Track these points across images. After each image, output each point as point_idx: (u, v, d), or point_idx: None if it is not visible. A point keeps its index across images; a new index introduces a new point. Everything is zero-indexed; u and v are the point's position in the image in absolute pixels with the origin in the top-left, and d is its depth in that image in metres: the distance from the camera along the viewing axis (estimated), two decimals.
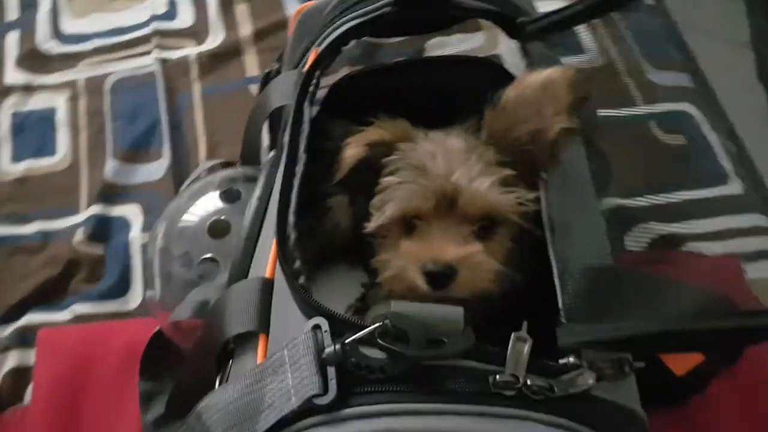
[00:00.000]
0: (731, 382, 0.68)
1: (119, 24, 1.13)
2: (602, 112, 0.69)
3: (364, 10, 0.63)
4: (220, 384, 0.52)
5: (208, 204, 0.66)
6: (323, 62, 0.61)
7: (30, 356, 0.80)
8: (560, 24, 0.64)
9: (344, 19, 0.63)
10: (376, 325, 0.41)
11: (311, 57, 0.64)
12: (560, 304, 0.46)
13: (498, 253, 0.54)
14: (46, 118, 1.03)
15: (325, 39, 0.64)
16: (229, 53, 1.08)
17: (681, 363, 0.58)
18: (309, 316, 0.44)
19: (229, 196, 0.66)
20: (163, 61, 1.07)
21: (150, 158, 0.98)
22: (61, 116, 1.03)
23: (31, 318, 0.83)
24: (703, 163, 0.93)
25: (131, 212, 0.93)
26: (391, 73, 0.79)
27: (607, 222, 0.51)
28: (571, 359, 0.43)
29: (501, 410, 0.40)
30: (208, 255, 0.63)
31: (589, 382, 0.42)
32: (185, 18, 1.13)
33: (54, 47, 1.11)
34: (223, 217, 0.64)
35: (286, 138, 0.56)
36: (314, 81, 0.60)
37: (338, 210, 0.69)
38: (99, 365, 0.77)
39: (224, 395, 0.44)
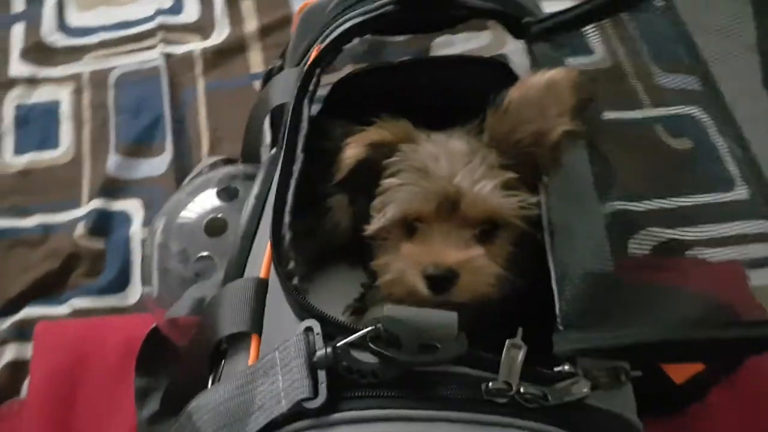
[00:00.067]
0: (731, 392, 0.67)
1: (125, 18, 1.13)
2: (608, 115, 0.68)
3: (367, 8, 0.62)
4: (212, 383, 0.51)
5: (205, 201, 0.66)
6: (323, 60, 0.60)
7: (28, 350, 0.80)
8: (566, 25, 0.64)
9: (347, 16, 0.62)
10: (368, 329, 0.41)
11: (313, 54, 0.64)
12: (557, 311, 0.45)
13: (499, 257, 0.53)
14: (50, 110, 1.03)
15: (327, 36, 0.64)
16: (234, 49, 1.08)
17: (681, 371, 0.57)
18: (302, 318, 0.44)
19: (227, 194, 0.65)
20: (168, 56, 1.07)
21: (152, 153, 0.98)
22: (65, 109, 1.03)
23: (29, 311, 0.84)
24: (709, 168, 0.91)
25: (132, 207, 0.93)
26: (396, 72, 0.79)
27: (609, 226, 0.50)
28: (566, 367, 0.42)
29: (493, 418, 0.40)
30: (205, 253, 0.62)
31: (583, 391, 0.42)
32: (191, 12, 1.13)
33: (59, 40, 1.11)
34: (220, 215, 0.64)
35: (285, 137, 0.56)
36: (314, 79, 0.60)
37: (338, 210, 0.68)
38: (96, 360, 0.77)
39: (215, 396, 0.44)
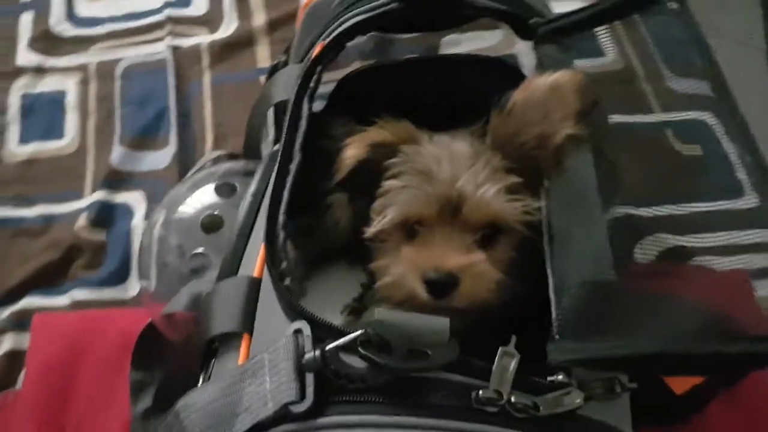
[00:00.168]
0: (732, 405, 0.66)
1: (133, 9, 1.12)
2: (617, 119, 0.67)
3: (372, 5, 0.61)
4: (203, 382, 0.51)
5: (203, 197, 0.66)
6: (325, 57, 0.60)
7: (26, 340, 0.80)
8: (574, 26, 0.63)
9: (351, 13, 0.62)
10: (358, 333, 0.40)
11: (316, 51, 0.63)
12: (553, 319, 0.44)
13: (500, 263, 0.52)
14: (56, 100, 1.03)
15: (331, 33, 0.63)
16: (242, 43, 1.07)
17: (681, 382, 0.56)
18: (292, 320, 0.43)
19: (225, 190, 0.65)
20: (175, 49, 1.06)
21: (157, 146, 0.97)
22: (71, 99, 1.03)
23: (29, 302, 0.84)
24: (718, 175, 0.90)
25: (135, 199, 0.93)
26: (401, 70, 0.78)
27: (614, 232, 0.49)
28: (560, 377, 0.41)
29: (481, 427, 0.39)
30: (200, 249, 0.62)
31: (576, 402, 0.41)
32: (199, 5, 1.13)
33: (67, 29, 1.10)
34: (216, 212, 0.63)
35: (283, 134, 0.55)
36: (315, 76, 0.59)
37: (338, 208, 0.67)
38: (93, 353, 0.76)
39: (203, 395, 0.44)
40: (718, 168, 0.90)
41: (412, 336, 0.40)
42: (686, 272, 0.79)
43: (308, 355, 0.41)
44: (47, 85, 1.05)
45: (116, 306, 0.83)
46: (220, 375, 0.45)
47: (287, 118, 0.57)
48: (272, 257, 0.48)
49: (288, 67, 0.71)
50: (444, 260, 0.50)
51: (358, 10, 0.61)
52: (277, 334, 0.43)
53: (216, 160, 0.83)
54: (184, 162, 0.95)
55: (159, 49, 1.07)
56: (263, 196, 0.56)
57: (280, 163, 0.53)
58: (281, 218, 0.50)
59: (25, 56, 1.07)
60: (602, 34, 0.75)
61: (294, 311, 0.44)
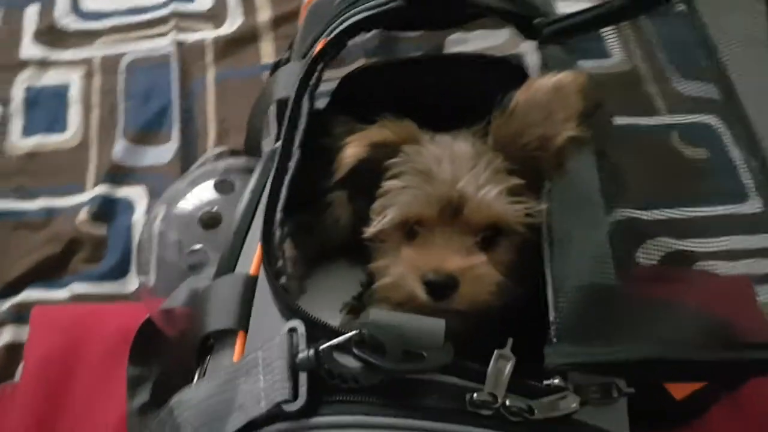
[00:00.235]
0: (734, 411, 0.65)
1: (138, 3, 1.12)
2: (622, 121, 0.67)
3: (374, 2, 0.61)
4: (197, 379, 0.51)
5: (203, 193, 0.65)
6: (327, 55, 0.59)
7: (25, 333, 0.80)
8: (579, 27, 0.62)
9: (353, 11, 0.61)
10: (352, 333, 0.40)
11: (318, 48, 0.63)
12: (551, 322, 0.44)
13: (501, 265, 0.52)
14: (60, 94, 1.03)
15: (333, 30, 0.63)
16: (246, 39, 1.07)
17: (680, 386, 0.56)
18: (287, 318, 0.43)
19: (224, 187, 0.65)
20: (180, 44, 1.06)
21: (159, 141, 0.97)
22: (75, 93, 1.03)
23: (29, 294, 0.84)
24: (723, 179, 0.89)
25: (136, 194, 0.93)
26: (405, 68, 0.77)
27: (617, 235, 0.49)
28: (556, 381, 0.41)
29: (475, 430, 0.39)
30: (198, 246, 0.62)
31: (572, 406, 0.40)
32: (204, 1, 1.12)
33: (72, 23, 1.10)
34: (215, 209, 0.63)
35: (282, 131, 0.55)
36: (316, 74, 0.58)
37: (338, 206, 0.67)
38: (91, 347, 0.76)
39: (197, 392, 0.43)
40: (723, 172, 0.90)
41: (407, 337, 0.40)
42: (689, 277, 0.79)
43: (302, 354, 0.40)
44: (51, 78, 1.05)
45: (116, 300, 0.83)
46: (215, 372, 0.45)
47: (287, 115, 0.56)
48: (268, 255, 0.48)
49: (290, 64, 0.71)
50: (444, 262, 0.50)
51: (361, 7, 0.61)
52: (272, 332, 0.43)
53: (218, 157, 0.83)
54: (187, 157, 0.94)
55: (163, 43, 1.07)
56: (262, 194, 0.56)
57: (278, 160, 0.53)
58: (278, 216, 0.50)
59: (29, 49, 1.08)
60: (608, 35, 0.74)
61: (289, 310, 0.43)
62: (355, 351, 0.40)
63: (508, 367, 0.40)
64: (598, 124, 0.53)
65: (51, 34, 1.09)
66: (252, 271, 0.50)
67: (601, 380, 0.42)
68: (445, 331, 0.41)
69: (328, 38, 0.61)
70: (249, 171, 0.64)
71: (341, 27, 0.61)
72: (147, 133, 0.98)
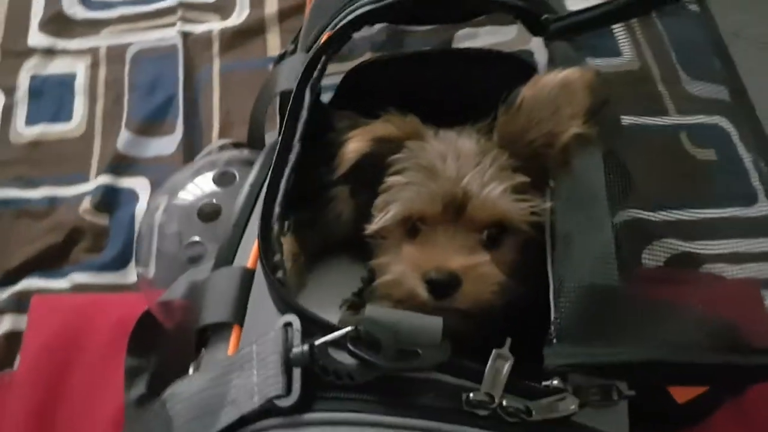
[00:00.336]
0: (737, 416, 0.65)
1: None
2: (630, 120, 0.66)
3: None
4: (192, 372, 0.50)
5: (203, 185, 0.65)
6: (330, 47, 0.59)
7: (25, 321, 0.80)
8: (587, 24, 0.61)
9: (358, 3, 0.60)
10: (348, 329, 0.39)
11: (322, 40, 0.62)
12: (552, 322, 0.43)
13: (504, 264, 0.51)
14: (65, 83, 1.03)
15: (338, 23, 0.62)
16: (253, 31, 1.07)
17: (683, 390, 0.55)
18: (283, 312, 0.42)
19: (224, 179, 0.64)
20: (186, 35, 1.06)
21: (163, 132, 0.97)
22: (80, 82, 1.03)
23: (29, 283, 0.84)
24: (732, 181, 0.88)
25: (139, 185, 0.92)
26: (409, 63, 0.76)
27: (622, 235, 0.48)
28: (555, 382, 0.40)
29: (470, 430, 0.38)
30: (197, 238, 0.61)
31: (570, 408, 0.40)
32: None
33: (79, 12, 1.10)
34: (214, 201, 0.62)
35: (283, 124, 0.54)
36: (319, 66, 0.58)
37: (340, 200, 0.66)
38: (90, 336, 0.76)
39: (190, 386, 0.43)
40: (731, 174, 0.89)
41: (403, 335, 0.39)
42: (695, 279, 0.78)
43: (296, 350, 0.40)
44: (57, 67, 1.05)
45: (116, 290, 0.83)
46: (209, 365, 0.44)
47: (288, 108, 0.56)
48: (265, 249, 0.47)
49: (293, 56, 0.70)
50: (446, 260, 0.49)
51: (366, 0, 0.60)
52: (267, 326, 0.42)
53: (222, 149, 0.83)
54: (190, 149, 0.94)
55: (170, 34, 1.06)
56: (262, 187, 0.55)
57: (278, 153, 0.52)
58: (277, 210, 0.49)
59: (36, 37, 1.07)
60: (619, 33, 0.73)
61: (285, 304, 0.43)
62: (351, 347, 0.39)
63: (506, 367, 0.39)
64: (606, 123, 0.52)
65: (58, 23, 1.09)
66: (249, 264, 0.50)
67: (601, 382, 0.41)
68: (446, 331, 0.41)
69: (333, 30, 0.60)
70: (251, 163, 0.63)
71: (346, 19, 0.60)
72: (151, 123, 0.98)
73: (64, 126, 0.99)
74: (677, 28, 1.01)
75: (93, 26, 1.08)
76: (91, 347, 0.76)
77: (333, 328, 0.40)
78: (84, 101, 1.01)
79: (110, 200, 0.91)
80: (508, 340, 0.40)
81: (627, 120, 0.63)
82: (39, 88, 1.02)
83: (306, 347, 0.39)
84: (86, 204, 0.90)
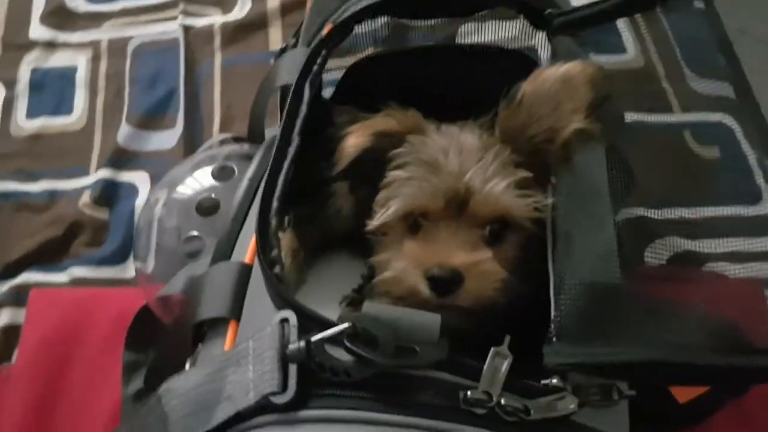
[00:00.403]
0: (738, 417, 0.64)
1: None
2: (634, 117, 0.65)
3: None
4: (189, 367, 0.50)
5: (202, 179, 0.64)
6: (331, 41, 0.58)
7: (23, 315, 0.80)
8: (591, 19, 0.61)
9: None
10: (345, 325, 0.39)
11: (324, 34, 0.61)
12: (552, 320, 0.42)
13: (507, 261, 0.50)
14: (66, 76, 1.03)
15: (339, 17, 0.61)
16: (254, 25, 1.06)
17: (685, 390, 0.55)
18: (279, 308, 0.42)
19: (223, 173, 0.64)
20: (187, 28, 1.05)
21: (164, 126, 0.97)
22: (81, 76, 1.03)
23: (28, 276, 0.84)
24: (736, 179, 0.88)
25: (139, 179, 0.92)
26: (411, 58, 0.76)
27: (625, 233, 0.47)
28: (554, 381, 0.40)
29: (467, 429, 0.38)
30: (195, 233, 0.61)
31: (570, 408, 0.39)
32: None
33: (81, 5, 1.10)
34: (213, 195, 0.62)
35: (283, 118, 0.53)
36: (319, 60, 0.57)
37: (340, 196, 0.66)
38: (88, 331, 0.76)
39: (186, 381, 0.43)
40: (735, 172, 0.88)
41: (401, 331, 0.39)
42: (697, 278, 0.77)
43: (293, 346, 0.39)
44: (58, 60, 1.04)
45: (115, 285, 0.83)
46: (205, 361, 0.44)
47: (287, 102, 0.55)
48: (263, 244, 0.47)
49: (294, 49, 0.69)
50: (448, 257, 0.48)
51: None
52: (264, 322, 0.42)
53: (222, 143, 0.82)
54: (191, 143, 0.94)
55: (171, 28, 1.06)
56: (260, 182, 0.55)
57: (277, 148, 0.52)
58: (275, 205, 0.49)
59: (37, 30, 1.07)
60: (623, 29, 0.73)
61: (282, 300, 0.42)
62: (347, 344, 0.38)
63: (505, 365, 0.39)
64: (608, 118, 0.52)
65: (59, 16, 1.08)
66: (247, 259, 0.49)
67: (601, 381, 0.41)
68: (447, 328, 0.40)
69: (334, 24, 0.60)
70: (250, 158, 0.63)
71: (347, 13, 0.59)
72: (152, 117, 0.98)
73: (65, 119, 0.98)
74: (682, 24, 1.01)
75: (94, 19, 1.08)
76: (90, 341, 0.75)
77: (330, 325, 0.40)
78: (85, 95, 1.01)
79: (110, 194, 0.90)
80: (507, 338, 0.40)
81: (631, 117, 0.62)
82: (40, 81, 1.02)
83: (302, 343, 0.39)
84: (86, 198, 0.90)
